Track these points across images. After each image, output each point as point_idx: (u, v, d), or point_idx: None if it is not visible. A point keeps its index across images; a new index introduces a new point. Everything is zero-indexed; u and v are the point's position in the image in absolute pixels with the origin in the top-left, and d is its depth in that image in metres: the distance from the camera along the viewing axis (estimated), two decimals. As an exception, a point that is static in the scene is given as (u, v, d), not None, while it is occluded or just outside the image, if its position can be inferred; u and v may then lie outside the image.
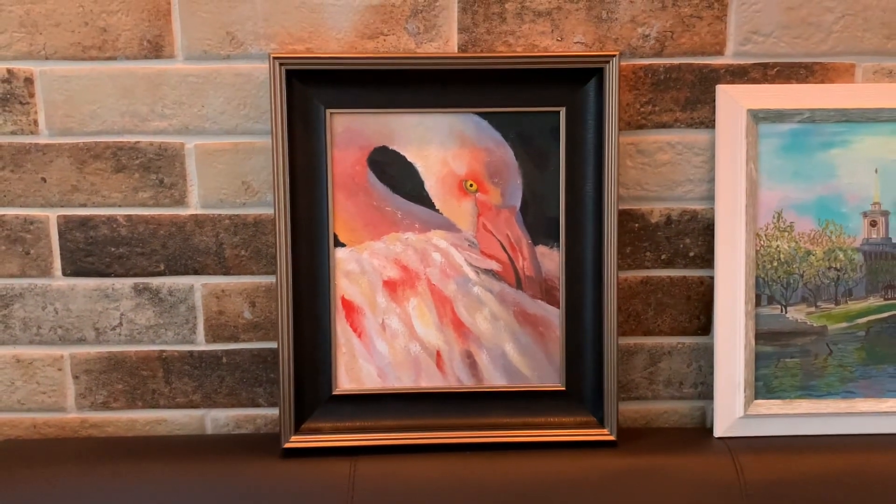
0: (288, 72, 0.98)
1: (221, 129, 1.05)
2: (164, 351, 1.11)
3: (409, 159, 1.02)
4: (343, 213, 1.03)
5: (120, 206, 1.07)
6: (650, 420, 1.14)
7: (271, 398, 1.12)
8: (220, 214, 1.07)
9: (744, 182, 1.03)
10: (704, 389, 1.13)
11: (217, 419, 1.13)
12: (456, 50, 1.02)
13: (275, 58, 0.97)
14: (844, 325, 1.06)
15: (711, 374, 1.09)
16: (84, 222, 1.07)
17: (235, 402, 1.12)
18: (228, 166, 1.06)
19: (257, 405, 1.13)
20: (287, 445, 1.03)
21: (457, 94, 1.01)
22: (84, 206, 1.06)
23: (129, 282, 1.09)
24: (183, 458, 1.05)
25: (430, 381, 1.06)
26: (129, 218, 1.07)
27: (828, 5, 1.02)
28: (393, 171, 1.02)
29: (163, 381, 1.12)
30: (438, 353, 1.05)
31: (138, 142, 1.05)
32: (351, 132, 1.01)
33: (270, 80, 0.98)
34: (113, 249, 1.08)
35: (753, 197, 1.03)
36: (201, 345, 1.11)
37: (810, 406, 1.06)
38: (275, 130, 0.98)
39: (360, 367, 1.05)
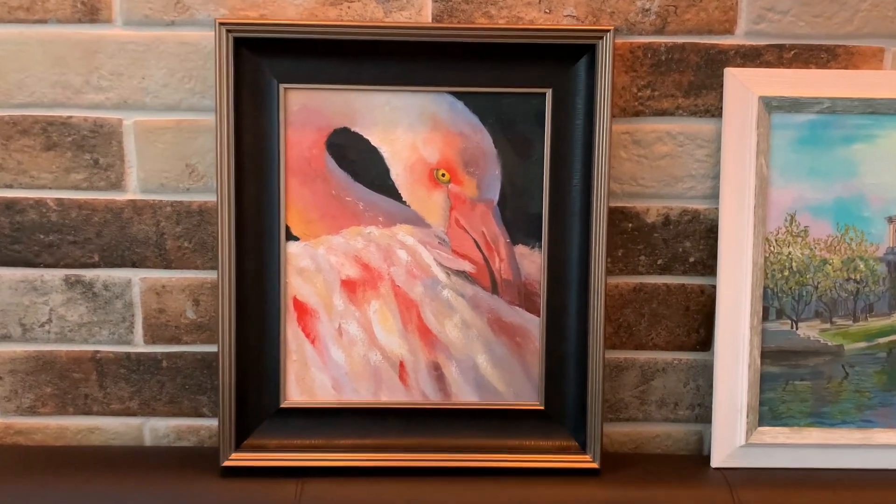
0: (236, 40, 0.86)
1: (164, 104, 0.93)
2: (98, 352, 0.99)
3: (373, 143, 0.90)
4: (297, 203, 0.91)
5: (50, 188, 0.95)
6: (640, 444, 1.01)
7: (216, 408, 1.00)
8: (161, 201, 0.95)
9: (753, 179, 0.90)
10: (702, 412, 1.00)
11: (156, 429, 1.01)
12: (430, 20, 0.90)
13: (221, 24, 0.85)
14: (863, 344, 0.93)
15: (710, 394, 0.97)
16: (9, 205, 0.95)
17: (177, 411, 1.01)
18: (171, 146, 0.94)
19: (200, 415, 1.01)
20: (226, 464, 0.91)
21: (429, 70, 0.89)
22: (10, 187, 0.95)
23: (59, 273, 0.97)
24: (115, 473, 0.94)
25: (392, 394, 0.93)
26: (59, 202, 0.95)
27: (854, -20, 0.90)
28: (355, 156, 0.90)
29: (96, 385, 1.00)
30: (402, 364, 0.93)
31: (71, 116, 0.93)
32: (308, 111, 0.89)
33: (216, 50, 0.86)
34: (42, 237, 0.96)
35: (763, 196, 0.91)
36: (139, 346, 0.99)
37: (821, 436, 0.93)
38: (220, 107, 0.87)
39: (312, 376, 0.93)
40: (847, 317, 0.93)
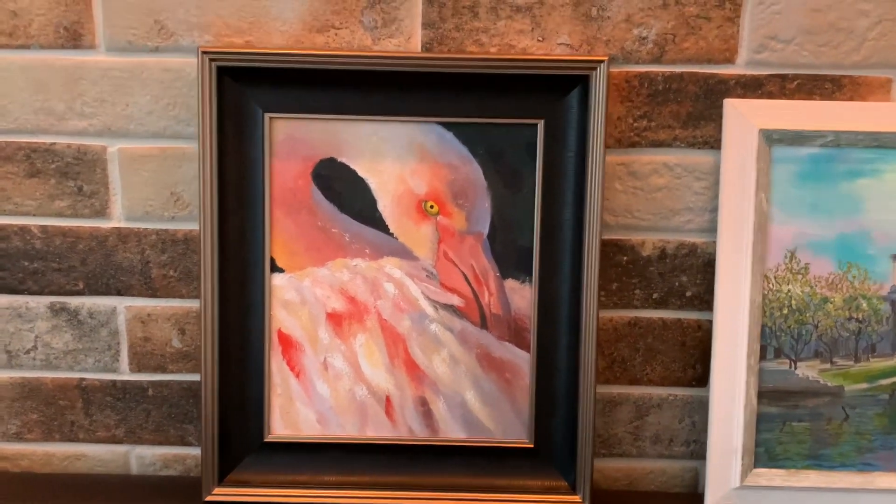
0: (220, 69, 0.84)
1: (148, 131, 0.91)
2: (83, 379, 0.98)
3: (360, 174, 0.88)
4: (282, 234, 0.89)
5: (34, 215, 0.94)
6: (634, 480, 0.99)
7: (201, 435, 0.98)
8: (146, 229, 0.94)
9: (752, 214, 0.87)
10: (698, 448, 0.98)
11: (143, 457, 1.00)
12: (419, 49, 0.88)
13: (204, 52, 0.83)
14: (864, 385, 0.90)
15: (705, 431, 0.94)
16: (-6, 232, 0.94)
17: (163, 440, 0.99)
18: (156, 174, 0.92)
19: (187, 444, 1.00)
20: (209, 498, 0.90)
21: (418, 100, 0.86)
22: (-6, 213, 0.94)
23: (44, 300, 0.96)
24: (102, 502, 0.93)
25: (378, 430, 0.92)
26: (43, 229, 0.94)
27: (862, 8, 0.86)
28: (341, 187, 0.88)
29: (82, 412, 0.99)
30: (388, 399, 0.91)
31: (54, 143, 0.92)
32: (293, 141, 0.87)
33: (199, 79, 0.84)
34: (26, 264, 0.95)
35: (763, 232, 0.88)
36: (125, 374, 0.98)
37: (820, 479, 0.90)
38: (203, 136, 0.85)
39: (297, 410, 0.91)
40: (848, 357, 0.90)
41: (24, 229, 0.94)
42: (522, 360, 0.91)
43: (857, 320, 0.89)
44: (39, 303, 0.96)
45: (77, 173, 0.92)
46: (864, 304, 0.89)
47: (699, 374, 0.96)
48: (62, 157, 0.92)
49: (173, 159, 0.92)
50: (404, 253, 0.89)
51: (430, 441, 0.91)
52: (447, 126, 0.87)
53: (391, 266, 0.89)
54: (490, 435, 0.92)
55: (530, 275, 0.89)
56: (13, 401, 0.99)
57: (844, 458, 0.91)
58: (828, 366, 0.90)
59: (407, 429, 0.92)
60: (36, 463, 1.01)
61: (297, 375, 0.91)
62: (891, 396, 0.90)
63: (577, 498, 0.90)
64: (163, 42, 0.88)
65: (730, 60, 0.88)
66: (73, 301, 0.96)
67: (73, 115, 0.91)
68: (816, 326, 0.89)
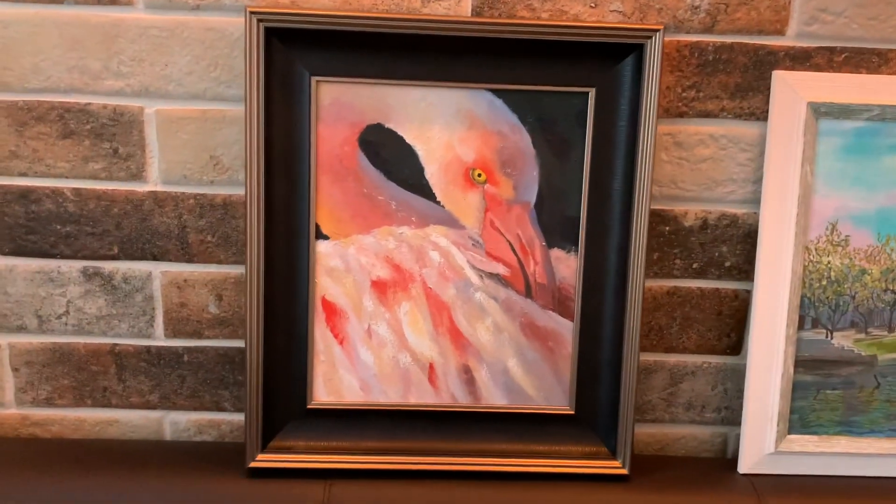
0: (267, 30, 0.82)
1: (188, 92, 0.89)
2: (116, 345, 0.97)
3: (407, 141, 0.87)
4: (327, 201, 0.87)
5: (67, 177, 0.91)
6: (665, 445, 1.01)
7: (238, 403, 0.98)
8: (183, 193, 0.92)
9: (797, 186, 0.88)
10: (729, 415, 1.00)
11: (177, 423, 1.00)
12: (469, 13, 0.86)
13: (252, 12, 0.81)
14: (897, 355, 0.93)
15: (737, 398, 0.97)
16: (25, 194, 0.91)
17: (198, 405, 0.99)
18: (195, 137, 0.90)
19: (222, 409, 0.99)
20: (252, 465, 0.90)
21: (468, 66, 0.85)
22: (25, 175, 0.91)
23: (77, 265, 0.94)
24: (136, 469, 0.92)
25: (421, 397, 0.92)
26: (77, 192, 0.91)
27: (912, -19, 0.86)
28: (388, 153, 0.87)
29: (115, 377, 0.98)
30: (431, 366, 0.92)
31: (89, 103, 0.89)
32: (340, 105, 0.86)
33: (246, 40, 0.81)
34: (59, 227, 0.92)
35: (806, 205, 0.89)
36: (160, 340, 0.96)
37: (850, 444, 0.93)
38: (249, 99, 0.83)
39: (340, 377, 0.91)
40: (883, 327, 0.92)
41: (56, 192, 0.91)
42: (566, 329, 0.91)
43: (893, 292, 0.91)
44: (72, 267, 0.94)
45: (113, 135, 0.90)
46: (901, 276, 0.91)
47: (734, 343, 0.97)
48: (97, 118, 0.89)
49: (213, 122, 0.89)
50: (451, 221, 0.89)
51: (473, 407, 0.92)
52: (497, 93, 0.86)
53: (437, 234, 0.89)
54: (532, 402, 0.93)
55: (576, 244, 0.89)
56: (44, 366, 0.97)
57: (874, 425, 0.94)
58: (862, 335, 0.92)
59: (450, 395, 0.92)
60: (67, 428, 1.00)
61: (341, 343, 0.90)
62: (922, 366, 0.93)
63: (617, 463, 0.91)
64: (204, 0, 0.86)
65: (780, 32, 0.88)
66: (107, 266, 0.94)
67: (109, 75, 0.88)
68: (854, 297, 0.91)
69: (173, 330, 0.96)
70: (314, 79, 0.85)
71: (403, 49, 0.84)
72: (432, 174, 0.88)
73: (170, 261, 0.94)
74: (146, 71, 0.88)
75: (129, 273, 0.94)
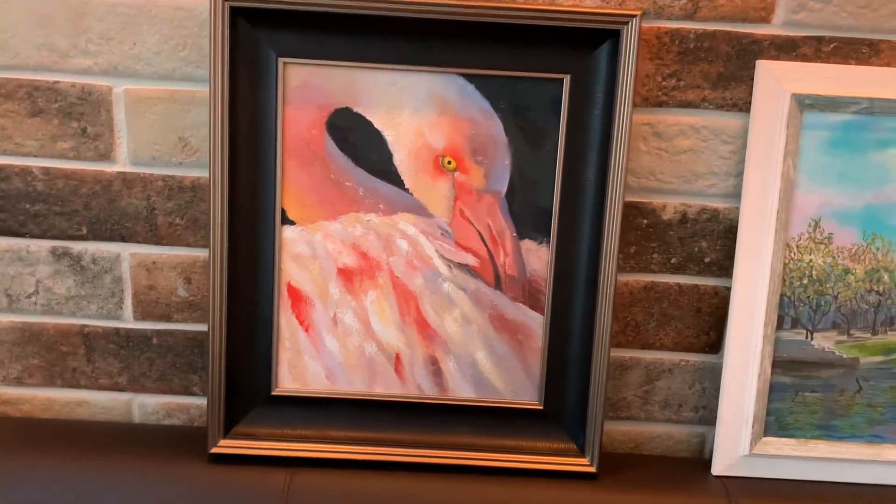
0: (233, 9, 0.80)
1: (156, 72, 0.87)
2: (85, 326, 0.96)
3: (376, 126, 0.85)
4: (294, 186, 0.86)
5: (36, 156, 0.90)
6: (640, 444, 0.99)
7: (207, 387, 0.97)
8: (152, 174, 0.90)
9: (778, 181, 0.85)
10: (706, 414, 0.97)
11: (145, 405, 0.99)
12: (442, -5, 0.84)
13: (217, -9, 0.79)
14: (880, 358, 0.89)
15: (716, 397, 0.94)
16: (-6, 172, 0.91)
17: (166, 389, 0.98)
18: (163, 118, 0.89)
19: (191, 393, 0.98)
20: (214, 450, 0.89)
21: (440, 49, 0.83)
22: (-7, 153, 0.90)
23: (46, 244, 0.93)
24: (103, 450, 0.92)
25: (387, 387, 0.90)
26: (46, 171, 0.91)
27: (906, -31, 0.82)
28: (356, 138, 0.85)
29: (84, 358, 0.97)
30: (398, 356, 0.90)
31: (58, 81, 0.88)
32: (308, 88, 0.84)
33: (211, 19, 0.80)
34: (28, 206, 0.92)
35: (788, 200, 0.86)
36: (129, 322, 0.96)
37: (829, 449, 0.90)
38: (214, 80, 0.81)
39: (305, 365, 0.90)
40: (866, 329, 0.89)
41: (25, 170, 0.91)
42: (535, 322, 0.89)
43: (878, 293, 0.88)
44: (41, 246, 0.93)
45: (81, 114, 0.89)
46: (886, 277, 0.88)
47: (712, 341, 0.95)
48: (65, 97, 0.88)
49: (182, 103, 0.88)
50: (419, 209, 0.87)
51: (440, 400, 0.91)
52: (469, 78, 0.84)
53: (405, 223, 0.87)
54: (500, 396, 0.91)
55: (548, 236, 0.87)
56: (13, 345, 0.97)
57: (854, 430, 0.91)
58: (844, 337, 0.89)
59: (416, 387, 0.90)
60: (37, 408, 1.00)
61: (307, 330, 0.89)
62: (905, 370, 0.90)
63: (585, 461, 0.89)
64: (172, -22, 0.84)
65: (765, 20, 0.84)
66: (76, 246, 0.93)
67: (77, 53, 0.87)
68: (836, 298, 0.88)
69: (142, 312, 0.95)
70: (282, 60, 0.83)
71: (374, 31, 0.82)
72: (401, 161, 0.86)
73: (138, 242, 0.93)
74: (114, 50, 0.87)
75: (98, 254, 0.93)
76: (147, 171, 0.90)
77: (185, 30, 0.86)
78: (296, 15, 0.81)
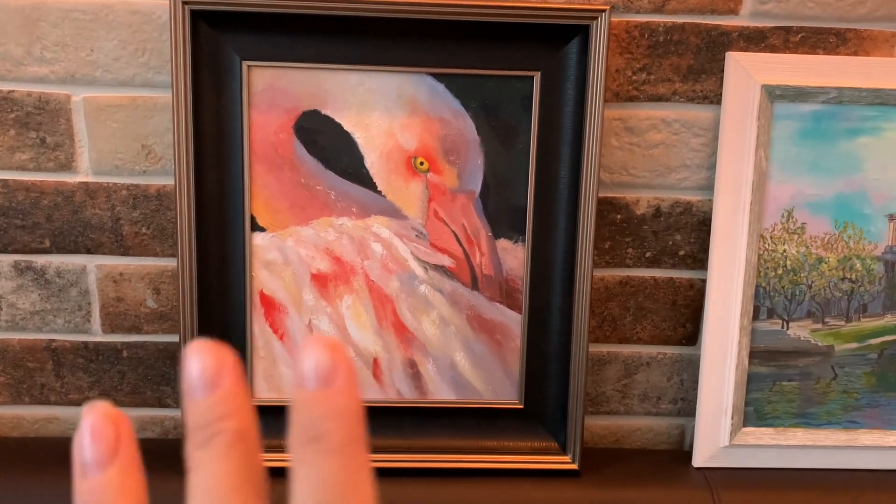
0: (193, 13, 0.78)
1: (116, 79, 0.85)
2: (53, 340, 0.93)
3: (345, 128, 0.83)
4: (263, 192, 0.84)
5: (-7, 168, 0.87)
6: (621, 437, 0.99)
7: (181, 399, 0.95)
8: (116, 183, 0.88)
9: (751, 173, 0.85)
10: (685, 406, 0.97)
11: (118, 419, 0.97)
12: (408, -7, 0.82)
13: (176, -6, 0.77)
14: (854, 345, 0.90)
15: (694, 389, 0.94)
16: (-51, 186, 0.88)
17: (139, 402, 0.96)
18: (125, 125, 0.86)
19: (165, 405, 0.96)
20: (191, 464, 0.87)
21: (408, 49, 0.81)
22: (-52, 166, 0.87)
23: (8, 259, 0.90)
24: (70, 469, 0.89)
25: (366, 393, 0.89)
26: (4, 183, 0.88)
27: (871, -42, 0.83)
28: (326, 141, 0.83)
29: (53, 374, 0.95)
30: (376, 361, 0.89)
31: (12, 91, 0.85)
32: (274, 91, 0.82)
33: (171, 23, 0.77)
34: (-13, 220, 0.89)
35: (761, 191, 0.86)
36: (97, 335, 0.93)
37: (807, 437, 0.91)
38: (176, 85, 0.79)
39: (281, 374, 0.88)
40: (840, 317, 0.90)
41: (-18, 183, 0.88)
42: (513, 322, 0.88)
43: (851, 280, 0.89)
44: (2, 261, 0.90)
45: (39, 123, 0.86)
46: (858, 265, 0.88)
47: (689, 333, 0.95)
48: (21, 106, 0.85)
49: (144, 109, 0.86)
50: (393, 212, 0.85)
51: (419, 403, 0.90)
52: (439, 77, 0.82)
53: (379, 225, 0.86)
54: (480, 396, 0.90)
55: (523, 234, 0.86)
56: (-22, 363, 0.94)
57: (831, 417, 0.91)
58: (819, 326, 0.90)
59: (395, 391, 0.89)
60: (5, 426, 0.97)
61: (281, 338, 0.88)
62: (879, 356, 0.90)
63: (566, 458, 0.89)
64: (129, -19, 0.81)
65: (733, 11, 0.84)
66: (40, 259, 0.90)
67: (31, 61, 0.84)
68: (810, 287, 0.89)
69: (111, 325, 0.93)
70: (246, 63, 0.81)
71: (340, 32, 0.80)
72: (373, 163, 0.84)
73: (104, 254, 0.90)
74: (71, 56, 0.84)
75: (63, 267, 0.91)
76: (110, 180, 0.88)
77: (144, 34, 0.83)
78: (259, 17, 0.79)
